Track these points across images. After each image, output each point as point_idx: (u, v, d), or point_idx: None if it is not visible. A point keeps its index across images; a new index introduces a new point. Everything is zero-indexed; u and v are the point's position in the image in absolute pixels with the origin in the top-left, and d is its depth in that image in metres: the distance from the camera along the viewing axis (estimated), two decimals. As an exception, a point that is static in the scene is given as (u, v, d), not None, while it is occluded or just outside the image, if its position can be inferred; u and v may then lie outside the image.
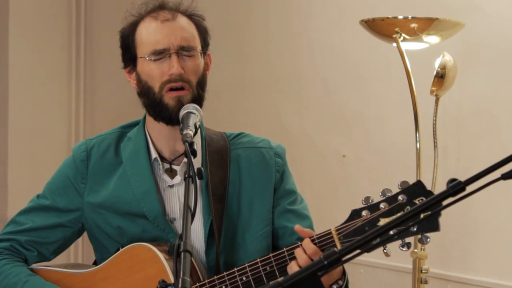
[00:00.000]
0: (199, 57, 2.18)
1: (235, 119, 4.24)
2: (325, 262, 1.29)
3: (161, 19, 2.16)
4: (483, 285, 3.35)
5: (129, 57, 2.21)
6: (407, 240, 1.90)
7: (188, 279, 1.60)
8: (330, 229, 1.97)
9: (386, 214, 1.91)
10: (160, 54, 2.13)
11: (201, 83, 2.17)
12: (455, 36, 3.05)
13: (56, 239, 2.27)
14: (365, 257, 3.62)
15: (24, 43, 4.68)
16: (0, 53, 4.61)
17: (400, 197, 1.90)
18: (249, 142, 2.28)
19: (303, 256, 1.97)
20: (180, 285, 1.58)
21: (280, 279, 1.61)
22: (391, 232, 1.84)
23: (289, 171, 2.29)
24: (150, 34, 2.16)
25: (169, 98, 2.13)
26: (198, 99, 2.15)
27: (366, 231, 1.90)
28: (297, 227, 2.04)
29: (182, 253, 1.64)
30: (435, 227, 1.86)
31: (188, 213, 1.75)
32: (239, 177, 2.22)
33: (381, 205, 1.92)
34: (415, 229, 1.86)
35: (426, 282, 3.03)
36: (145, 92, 2.17)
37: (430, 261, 3.06)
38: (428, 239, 1.86)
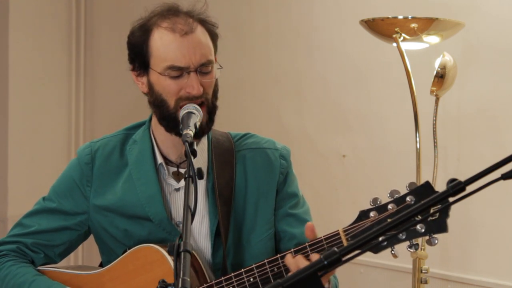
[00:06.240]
0: (214, 69, 2.14)
1: (235, 119, 4.23)
2: (325, 262, 1.28)
3: (179, 32, 2.08)
4: (483, 285, 3.35)
5: (140, 63, 2.15)
6: (415, 241, 1.90)
7: (188, 279, 1.60)
8: (338, 230, 1.97)
9: (394, 215, 1.90)
10: (179, 71, 2.08)
11: (216, 93, 2.15)
12: (455, 36, 3.05)
13: (62, 241, 2.26)
14: (365, 257, 3.62)
15: (24, 43, 4.67)
16: (0, 53, 4.61)
17: (408, 198, 1.90)
18: (254, 143, 2.27)
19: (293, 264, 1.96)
20: (180, 285, 1.58)
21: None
22: (400, 234, 1.85)
23: (293, 174, 2.28)
24: (168, 49, 2.08)
25: None
26: (213, 111, 2.14)
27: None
28: (309, 224, 2.01)
29: (182, 253, 1.64)
30: (443, 228, 1.85)
31: (188, 213, 1.74)
32: (245, 178, 2.21)
33: (389, 206, 1.91)
34: (423, 230, 1.86)
35: (426, 282, 3.03)
36: (158, 104, 2.13)
37: (430, 261, 3.06)
38: (436, 241, 1.86)
